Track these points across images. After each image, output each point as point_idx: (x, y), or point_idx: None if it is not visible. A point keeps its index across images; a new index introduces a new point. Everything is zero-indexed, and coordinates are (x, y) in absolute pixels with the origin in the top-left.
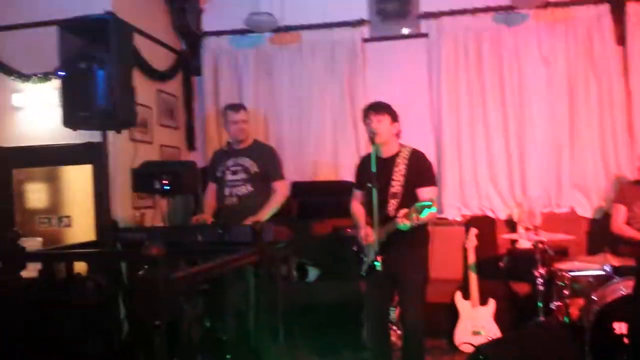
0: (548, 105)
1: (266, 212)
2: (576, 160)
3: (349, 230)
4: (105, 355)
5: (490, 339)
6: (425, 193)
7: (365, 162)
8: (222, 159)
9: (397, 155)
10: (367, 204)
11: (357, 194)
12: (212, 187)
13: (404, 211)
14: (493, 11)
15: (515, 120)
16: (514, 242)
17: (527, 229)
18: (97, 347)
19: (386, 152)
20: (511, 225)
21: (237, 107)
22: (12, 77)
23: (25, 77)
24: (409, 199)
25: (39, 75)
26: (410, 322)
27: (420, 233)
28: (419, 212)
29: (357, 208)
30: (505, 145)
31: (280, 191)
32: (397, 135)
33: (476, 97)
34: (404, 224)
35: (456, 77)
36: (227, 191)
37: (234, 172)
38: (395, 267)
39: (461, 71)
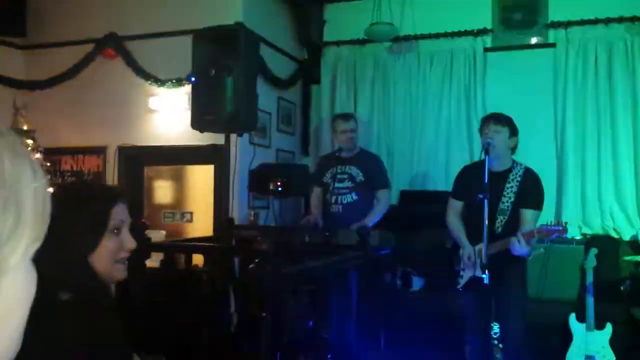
0: None
1: (371, 218)
2: None
3: None
4: (214, 345)
5: None
6: (530, 215)
7: (471, 172)
8: (329, 165)
9: (509, 171)
10: (471, 217)
11: (455, 204)
12: (317, 192)
13: (527, 233)
14: (627, 21)
15: None
16: (637, 265)
17: None
18: (207, 337)
19: (498, 166)
20: (636, 247)
21: (347, 117)
22: (150, 82)
23: (161, 82)
24: (514, 218)
25: (173, 81)
26: (514, 338)
27: None
28: (547, 236)
29: (456, 223)
30: (634, 162)
31: (384, 199)
32: (512, 150)
33: (604, 110)
34: (520, 245)
35: (584, 90)
36: (332, 198)
37: (340, 180)
38: (498, 281)
39: (589, 83)
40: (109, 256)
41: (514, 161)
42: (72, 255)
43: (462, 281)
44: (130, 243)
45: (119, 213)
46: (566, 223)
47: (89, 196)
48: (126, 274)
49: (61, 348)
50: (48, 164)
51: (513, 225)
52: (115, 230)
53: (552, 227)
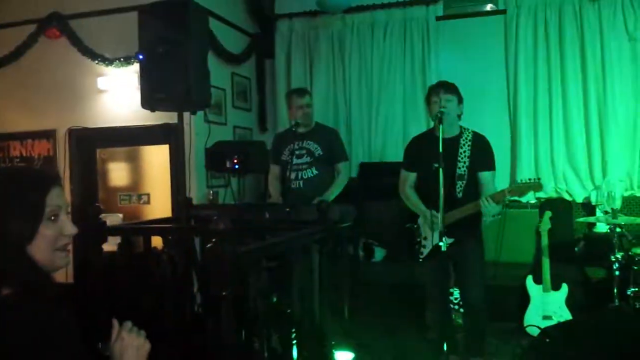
0: (632, 83)
1: (333, 192)
2: None
3: None
4: (178, 325)
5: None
6: (489, 176)
7: (420, 142)
8: (286, 142)
9: (460, 136)
10: (428, 186)
11: (409, 176)
12: (275, 170)
13: (497, 195)
14: None
15: (597, 98)
16: (590, 225)
17: (605, 212)
18: (171, 317)
19: (448, 133)
20: (588, 208)
21: (302, 92)
22: (97, 61)
23: (108, 61)
24: (472, 181)
25: (121, 59)
26: (474, 302)
27: (477, 215)
28: (523, 193)
29: (412, 193)
30: (585, 125)
31: (344, 172)
32: (459, 117)
33: (555, 74)
34: (491, 205)
35: (535, 54)
36: (292, 174)
37: (299, 156)
38: (457, 248)
39: (540, 48)
40: (48, 245)
41: (461, 127)
42: (8, 246)
43: (425, 251)
44: (70, 229)
45: (55, 198)
46: (539, 179)
47: (21, 184)
48: (69, 262)
49: (5, 347)
50: None
51: (472, 188)
52: (53, 217)
53: (528, 184)
